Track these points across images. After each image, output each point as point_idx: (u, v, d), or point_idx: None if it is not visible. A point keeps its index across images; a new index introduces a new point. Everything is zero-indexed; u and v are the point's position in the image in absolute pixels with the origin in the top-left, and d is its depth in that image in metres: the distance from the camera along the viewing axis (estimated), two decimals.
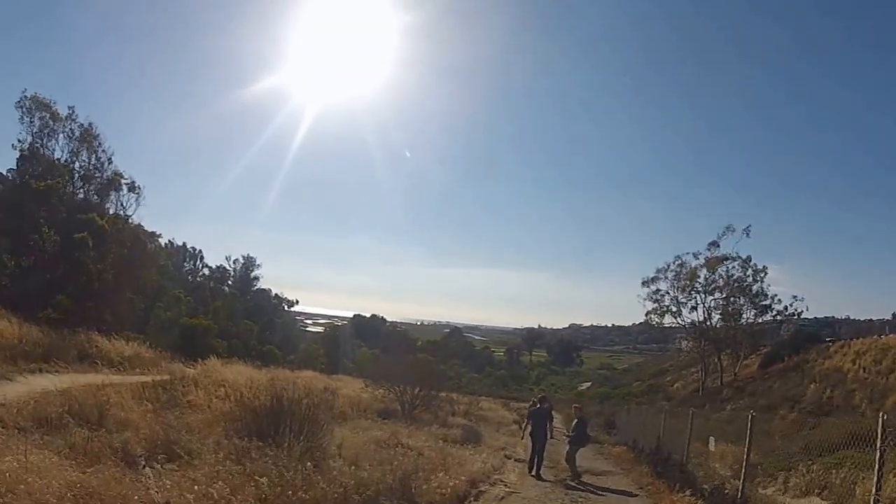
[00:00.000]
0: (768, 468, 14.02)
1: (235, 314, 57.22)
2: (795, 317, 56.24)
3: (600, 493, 13.62)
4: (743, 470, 9.56)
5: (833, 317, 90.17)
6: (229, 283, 76.26)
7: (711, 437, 12.48)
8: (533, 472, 15.80)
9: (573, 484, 14.69)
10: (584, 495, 13.08)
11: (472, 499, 11.41)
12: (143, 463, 8.77)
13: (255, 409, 11.49)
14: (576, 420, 17.28)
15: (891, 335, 43.06)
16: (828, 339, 52.48)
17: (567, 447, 16.79)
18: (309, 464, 9.07)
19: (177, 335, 37.76)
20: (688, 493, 11.40)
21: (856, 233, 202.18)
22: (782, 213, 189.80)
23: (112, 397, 12.49)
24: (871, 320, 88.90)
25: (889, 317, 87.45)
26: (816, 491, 12.12)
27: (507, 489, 12.86)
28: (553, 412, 37.82)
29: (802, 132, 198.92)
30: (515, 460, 17.98)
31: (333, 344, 79.04)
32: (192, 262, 72.80)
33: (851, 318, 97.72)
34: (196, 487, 7.42)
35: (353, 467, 10.10)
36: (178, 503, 7.06)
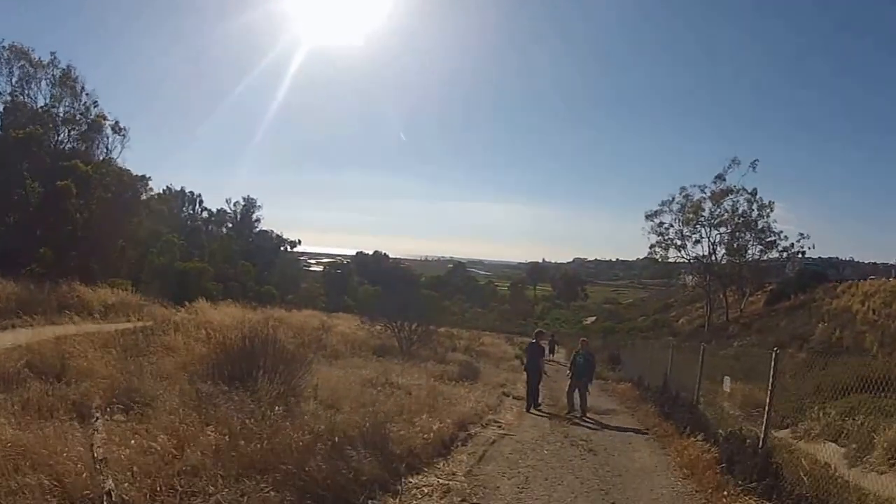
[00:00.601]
0: (780, 410, 13.05)
1: (232, 256, 57.33)
2: (801, 255, 55.11)
3: (603, 431, 12.76)
4: (766, 416, 8.47)
5: (837, 258, 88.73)
6: (229, 225, 76.55)
7: (727, 377, 11.43)
8: (530, 410, 15.30)
9: (575, 422, 13.92)
10: (585, 435, 12.16)
11: (458, 443, 10.41)
12: (96, 415, 7.94)
13: (227, 350, 10.66)
14: (581, 354, 16.34)
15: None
16: (834, 279, 51.61)
17: (569, 382, 15.99)
18: (279, 408, 8.28)
19: (171, 280, 37.64)
20: (700, 437, 10.42)
21: (862, 175, 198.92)
22: (789, 151, 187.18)
23: (76, 348, 11.75)
24: (875, 263, 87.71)
25: (894, 261, 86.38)
26: (832, 437, 11.18)
27: (500, 431, 11.93)
28: (551, 346, 37.82)
29: (812, 72, 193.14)
30: (514, 398, 17.14)
31: (334, 282, 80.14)
32: (191, 207, 73.63)
33: (856, 260, 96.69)
34: (134, 441, 6.44)
35: (331, 411, 9.50)
36: (116, 458, 6.08)
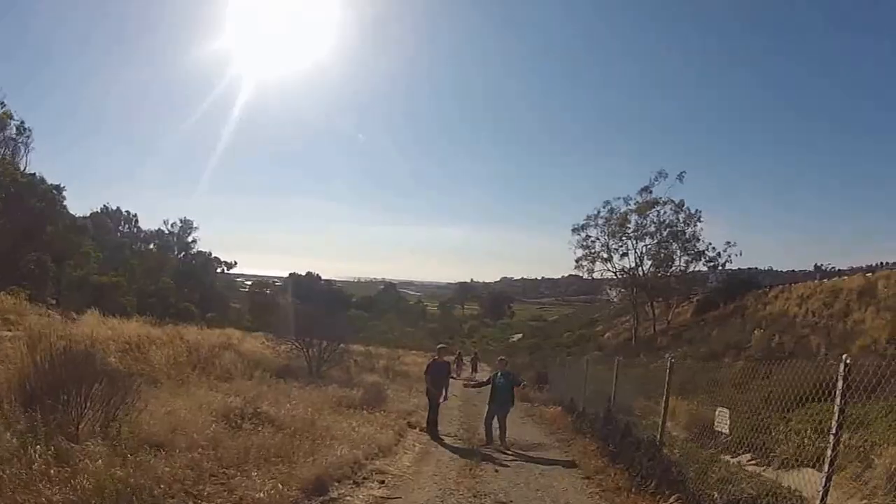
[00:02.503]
0: (736, 431, 9.69)
1: (154, 273, 57.45)
2: (729, 262, 52.94)
3: (528, 484, 8.91)
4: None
5: (756, 268, 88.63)
6: (154, 243, 78.04)
7: (722, 410, 7.54)
8: (435, 439, 12.64)
9: (492, 464, 10.22)
10: (503, 493, 8.28)
11: None
12: None
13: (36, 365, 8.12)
14: (500, 375, 13.05)
15: (836, 278, 39.98)
16: (764, 286, 49.95)
17: (487, 409, 12.85)
18: (53, 449, 6.14)
19: (87, 293, 36.16)
20: (672, 499, 6.76)
21: (776, 185, 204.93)
22: (706, 164, 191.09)
23: None
24: (793, 271, 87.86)
25: (811, 268, 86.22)
26: (809, 461, 7.81)
27: (378, 493, 7.93)
28: (473, 364, 34.75)
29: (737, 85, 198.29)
30: (421, 430, 13.24)
31: (261, 302, 76.12)
32: (126, 226, 76.95)
33: (774, 269, 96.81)
34: None
35: (151, 454, 7.05)
36: None
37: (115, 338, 15.65)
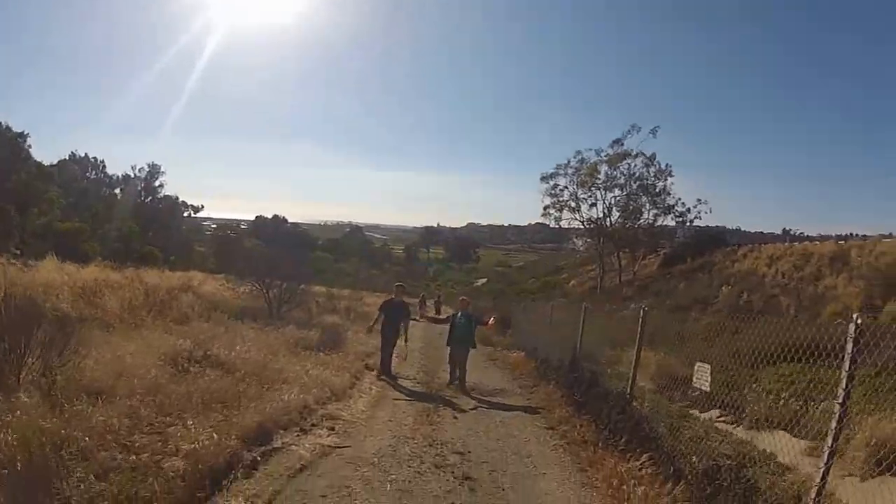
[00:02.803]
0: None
1: (117, 218, 55.66)
2: (698, 218, 52.61)
3: (488, 434, 8.34)
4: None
5: (724, 226, 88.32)
6: (121, 188, 75.53)
7: (702, 364, 6.89)
8: (383, 377, 12.27)
9: (450, 410, 9.68)
10: (461, 441, 7.68)
11: (237, 474, 5.75)
12: None
13: None
14: (461, 315, 12.55)
15: (807, 242, 39.94)
16: (733, 244, 49.95)
17: (448, 350, 12.25)
18: None
19: (50, 241, 35.32)
20: (645, 458, 6.21)
21: (750, 148, 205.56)
22: (681, 122, 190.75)
23: None
24: (761, 233, 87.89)
25: (779, 231, 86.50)
26: (783, 424, 7.65)
27: (326, 441, 7.24)
28: (437, 307, 34.73)
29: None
30: (378, 373, 12.61)
31: (226, 245, 75.04)
32: (94, 172, 74.39)
33: (742, 229, 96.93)
34: None
35: (89, 403, 6.49)
36: None
37: (70, 283, 14.96)
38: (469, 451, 7.22)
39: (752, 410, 8.65)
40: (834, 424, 3.94)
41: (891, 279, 24.99)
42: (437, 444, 7.49)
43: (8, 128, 35.22)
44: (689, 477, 5.45)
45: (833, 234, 46.54)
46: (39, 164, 44.76)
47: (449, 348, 12.24)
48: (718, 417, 9.05)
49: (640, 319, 7.73)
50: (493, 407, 10.21)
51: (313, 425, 7.80)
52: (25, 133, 40.27)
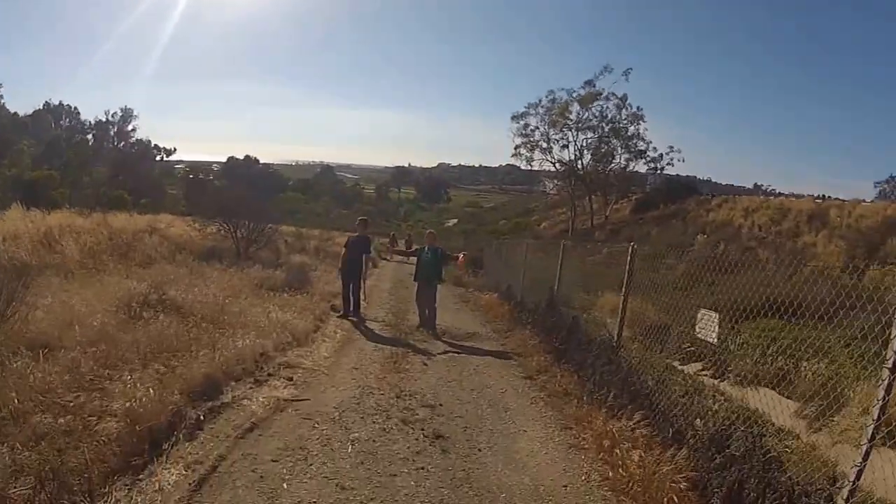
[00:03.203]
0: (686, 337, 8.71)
1: (87, 163, 55.39)
2: (671, 165, 52.30)
3: (462, 383, 7.66)
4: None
5: (695, 176, 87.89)
6: (93, 133, 74.19)
7: (706, 312, 6.10)
8: (348, 316, 11.72)
9: (420, 356, 8.97)
10: (431, 393, 6.96)
11: (179, 435, 4.99)
12: None
13: None
14: (428, 250, 11.64)
15: (783, 198, 39.84)
16: (705, 193, 49.76)
17: (416, 288, 11.49)
18: None
19: (20, 191, 32.54)
20: (637, 416, 5.54)
21: (724, 99, 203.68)
22: (655, 67, 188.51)
23: None
24: (732, 185, 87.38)
25: (750, 186, 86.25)
26: (768, 381, 7.15)
27: (282, 392, 6.47)
28: (407, 244, 34.29)
29: None
30: (341, 315, 11.87)
31: (196, 187, 72.98)
32: (68, 120, 74.49)
33: (713, 180, 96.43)
34: None
35: (31, 358, 5.73)
36: None
37: (34, 231, 14.02)
38: (440, 404, 6.52)
39: (737, 366, 8.11)
40: (881, 394, 3.22)
41: (872, 242, 24.83)
42: (406, 395, 6.79)
43: None
44: (693, 441, 4.79)
45: (805, 194, 46.62)
46: (13, 115, 43.54)
47: (416, 285, 11.47)
48: (701, 371, 8.51)
49: (629, 258, 6.98)
50: (465, 352, 9.53)
51: (270, 375, 7.04)
52: None
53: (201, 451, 4.80)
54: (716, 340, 5.50)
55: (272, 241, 21.54)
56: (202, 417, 5.42)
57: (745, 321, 7.85)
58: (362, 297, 12.24)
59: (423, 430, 5.67)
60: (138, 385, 5.49)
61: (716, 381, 7.93)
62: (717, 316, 5.41)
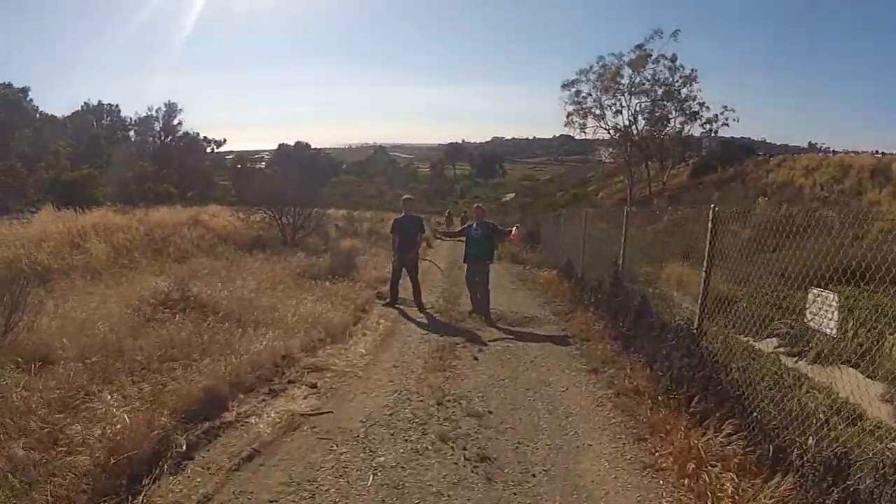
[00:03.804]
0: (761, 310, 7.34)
1: (130, 159, 54.42)
2: (726, 125, 49.49)
3: (516, 381, 6.49)
4: None
5: (749, 138, 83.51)
6: (136, 130, 74.33)
7: (824, 294, 4.78)
8: (395, 304, 10.67)
9: (471, 348, 7.83)
10: (481, 400, 5.80)
11: (157, 475, 3.95)
12: None
13: None
14: (477, 226, 10.33)
15: (843, 154, 37.12)
16: (763, 154, 47.19)
17: (466, 269, 10.29)
18: None
19: (59, 192, 33.04)
20: (728, 427, 4.29)
21: (774, 58, 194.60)
22: (703, 29, 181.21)
23: None
24: (786, 145, 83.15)
25: (805, 145, 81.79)
26: (850, 359, 5.78)
27: (306, 401, 5.48)
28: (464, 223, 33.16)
29: None
30: (387, 303, 10.86)
31: (244, 176, 73.92)
32: (109, 119, 72.83)
33: (767, 140, 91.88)
34: None
35: (24, 374, 5.01)
36: None
37: (63, 231, 13.47)
38: (488, 412, 5.39)
39: (816, 342, 6.77)
40: None
41: None
42: (449, 400, 5.68)
43: (9, 84, 34.44)
44: (800, 464, 3.56)
45: (863, 150, 43.52)
46: (51, 118, 43.92)
47: (465, 267, 10.29)
48: (777, 349, 7.27)
49: (710, 224, 5.64)
50: (521, 340, 8.37)
51: (290, 382, 6.01)
52: (27, 88, 39.46)
53: (185, 487, 3.83)
54: (835, 332, 4.17)
55: (320, 227, 20.81)
56: (195, 443, 4.43)
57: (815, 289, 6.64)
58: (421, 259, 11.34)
59: (465, 449, 4.55)
60: (126, 403, 4.58)
61: (793, 361, 6.81)
62: (836, 298, 4.09)
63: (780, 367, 6.22)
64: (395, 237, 10.96)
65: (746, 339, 7.45)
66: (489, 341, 8.21)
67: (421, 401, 5.66)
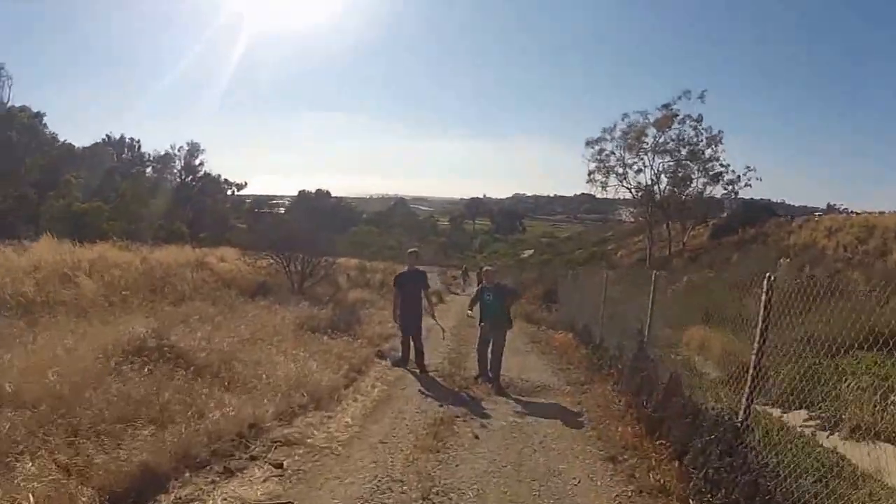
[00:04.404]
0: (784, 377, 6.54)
1: (143, 196, 52.93)
2: (749, 186, 48.19)
3: (522, 470, 5.47)
4: None
5: (769, 199, 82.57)
6: (152, 167, 73.78)
7: None
8: (405, 365, 9.72)
9: (475, 422, 6.85)
10: (479, 486, 4.88)
11: None
12: None
13: None
14: (489, 290, 9.37)
15: (867, 214, 36.03)
16: (784, 215, 46.16)
17: (479, 335, 9.29)
18: None
19: (68, 222, 33.53)
20: None
21: (793, 121, 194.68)
22: (726, 91, 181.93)
23: None
24: (805, 206, 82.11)
25: (824, 206, 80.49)
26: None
27: (263, 487, 4.47)
28: (479, 280, 32.58)
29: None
30: (390, 363, 9.96)
31: (260, 220, 74.41)
32: (129, 154, 72.48)
33: (787, 202, 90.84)
34: None
35: None
36: None
37: (59, 263, 12.80)
38: None
39: (852, 414, 6.16)
40: None
41: None
42: (438, 493, 4.67)
43: (24, 108, 34.46)
44: None
45: (875, 211, 42.38)
46: (68, 146, 43.88)
47: (480, 328, 9.28)
48: (806, 420, 6.52)
49: (766, 296, 4.64)
50: (531, 414, 7.33)
51: (252, 459, 5.05)
52: (42, 113, 39.28)
53: None
54: None
55: (330, 276, 20.06)
56: None
57: (842, 356, 5.90)
58: (432, 317, 10.31)
59: None
60: (45, 475, 3.67)
61: (825, 435, 6.14)
62: None
63: (820, 451, 5.27)
64: (397, 292, 10.05)
65: (773, 410, 6.70)
66: (494, 415, 7.19)
67: (403, 492, 4.65)
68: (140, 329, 7.59)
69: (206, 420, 5.22)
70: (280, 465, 4.96)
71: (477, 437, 6.25)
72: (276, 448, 5.38)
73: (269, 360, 7.93)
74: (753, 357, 4.50)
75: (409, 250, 10.95)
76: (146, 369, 6.32)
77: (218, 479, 4.58)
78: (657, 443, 5.69)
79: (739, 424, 4.55)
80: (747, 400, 4.54)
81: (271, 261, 17.96)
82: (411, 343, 9.82)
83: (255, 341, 9.05)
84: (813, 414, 6.67)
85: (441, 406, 7.40)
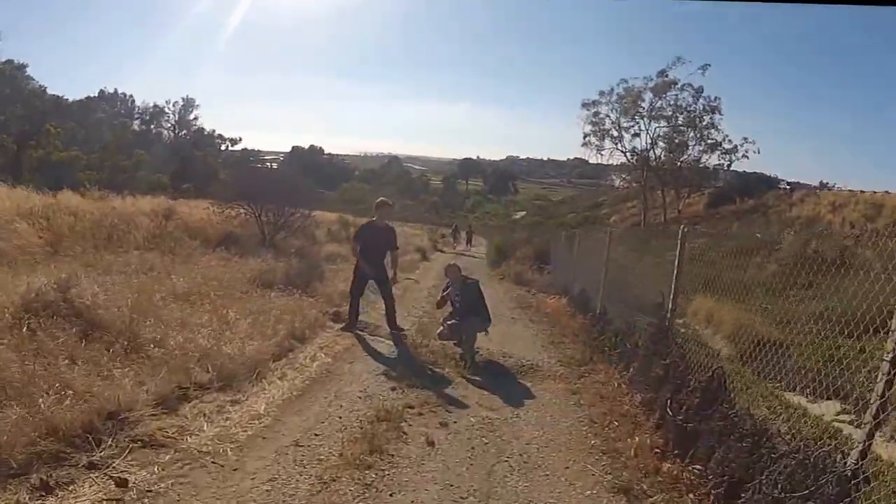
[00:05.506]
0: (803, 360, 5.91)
1: (127, 147, 52.95)
2: (746, 157, 46.91)
3: None
4: None
5: (762, 173, 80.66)
6: (138, 120, 73.70)
7: None
8: (352, 330, 7.98)
9: (433, 419, 5.03)
10: None
11: None
12: None
13: None
14: (457, 288, 7.56)
15: (873, 192, 34.70)
16: (785, 186, 44.97)
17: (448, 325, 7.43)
18: None
19: (46, 172, 33.73)
20: None
21: (790, 94, 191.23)
22: (726, 63, 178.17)
23: None
24: (798, 182, 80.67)
25: (816, 183, 78.99)
26: None
27: None
28: (468, 237, 30.85)
29: None
30: (344, 327, 8.11)
31: (245, 173, 72.70)
32: (123, 108, 72.84)
33: (779, 177, 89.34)
34: None
35: None
36: None
37: (5, 210, 11.70)
38: None
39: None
40: None
41: None
42: None
43: (9, 61, 33.48)
44: None
45: (872, 190, 41.10)
46: (56, 98, 42.91)
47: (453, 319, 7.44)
48: (839, 414, 5.43)
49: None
50: (511, 404, 5.50)
51: (91, 467, 3.28)
52: (25, 65, 39.02)
53: None
54: None
55: (306, 228, 18.63)
56: None
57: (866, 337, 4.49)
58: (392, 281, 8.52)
59: None
60: None
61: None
62: None
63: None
64: (358, 247, 8.24)
65: (798, 398, 6.03)
66: (461, 408, 5.34)
67: None
68: (42, 280, 5.84)
69: (57, 406, 3.37)
70: (124, 483, 3.13)
71: (432, 444, 4.39)
72: (132, 451, 3.55)
73: (195, 322, 6.12)
74: (886, 364, 2.62)
75: (379, 199, 9.01)
76: (24, 330, 4.61)
77: (28, 497, 2.75)
78: (691, 467, 3.85)
79: (850, 473, 2.69)
80: (864, 444, 2.68)
81: (241, 210, 16.37)
82: (359, 304, 8.30)
83: (189, 297, 7.38)
84: (846, 407, 5.36)
85: (394, 390, 5.58)
